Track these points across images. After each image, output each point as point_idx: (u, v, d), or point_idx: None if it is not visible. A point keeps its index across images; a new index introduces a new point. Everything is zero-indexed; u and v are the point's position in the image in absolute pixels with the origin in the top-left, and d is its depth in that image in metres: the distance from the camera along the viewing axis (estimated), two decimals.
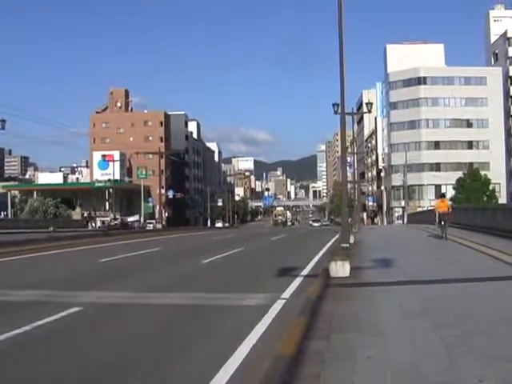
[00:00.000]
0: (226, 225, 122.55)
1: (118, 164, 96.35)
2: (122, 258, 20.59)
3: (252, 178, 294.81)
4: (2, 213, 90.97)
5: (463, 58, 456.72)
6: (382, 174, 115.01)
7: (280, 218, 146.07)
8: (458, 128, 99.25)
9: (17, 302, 10.45)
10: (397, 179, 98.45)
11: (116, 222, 78.80)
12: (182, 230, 64.42)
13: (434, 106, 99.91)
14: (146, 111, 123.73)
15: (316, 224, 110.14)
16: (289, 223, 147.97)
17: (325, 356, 5.66)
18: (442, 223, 23.73)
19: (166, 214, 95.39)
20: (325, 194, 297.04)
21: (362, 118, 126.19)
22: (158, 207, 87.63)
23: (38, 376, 5.81)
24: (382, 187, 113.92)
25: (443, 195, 27.23)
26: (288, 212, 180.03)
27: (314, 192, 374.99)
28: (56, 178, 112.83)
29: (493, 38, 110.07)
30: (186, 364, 6.18)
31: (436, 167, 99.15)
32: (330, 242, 28.05)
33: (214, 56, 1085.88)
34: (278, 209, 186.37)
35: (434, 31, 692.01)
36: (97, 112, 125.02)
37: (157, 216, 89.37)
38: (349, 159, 57.87)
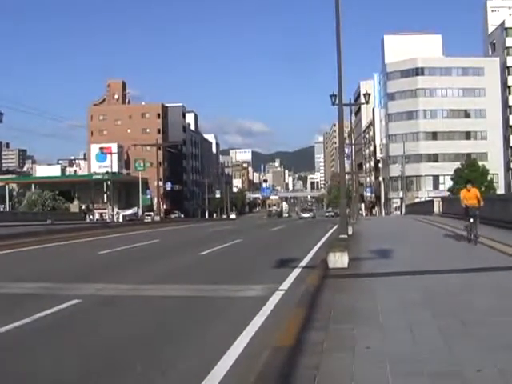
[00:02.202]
0: (224, 216, 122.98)
1: (115, 156, 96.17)
2: (121, 251, 20.60)
3: (250, 169, 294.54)
4: (0, 206, 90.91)
5: (461, 49, 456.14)
6: (380, 165, 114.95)
7: (274, 208, 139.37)
8: (456, 118, 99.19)
9: (16, 295, 10.47)
10: (395, 170, 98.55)
11: (175, 214, 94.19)
12: (180, 221, 64.43)
13: (431, 97, 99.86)
14: (143, 103, 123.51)
15: (306, 215, 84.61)
16: (285, 214, 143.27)
17: (324, 347, 5.68)
18: (471, 220, 17.40)
19: (164, 206, 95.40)
20: (323, 185, 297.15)
21: (359, 109, 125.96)
22: (155, 199, 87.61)
23: (37, 369, 5.83)
24: (380, 178, 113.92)
25: (469, 182, 19.56)
26: (285, 203, 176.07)
27: (312, 183, 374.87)
28: (54, 171, 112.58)
29: (490, 28, 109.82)
30: (184, 357, 6.20)
31: (434, 158, 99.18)
32: (328, 233, 28.09)
33: (209, 46, 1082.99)
34: (273, 198, 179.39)
35: (431, 21, 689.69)
36: (94, 104, 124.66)
37: (155, 208, 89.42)
38: (346, 150, 57.86)
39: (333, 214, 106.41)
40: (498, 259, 13.12)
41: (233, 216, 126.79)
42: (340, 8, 16.53)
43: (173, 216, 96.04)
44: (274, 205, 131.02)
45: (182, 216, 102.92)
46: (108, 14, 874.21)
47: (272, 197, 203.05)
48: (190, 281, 12.03)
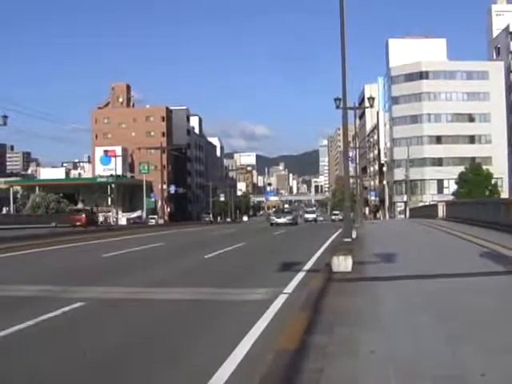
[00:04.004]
0: (228, 220, 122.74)
1: (120, 159, 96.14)
2: (124, 253, 20.62)
3: (254, 172, 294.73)
4: (5, 208, 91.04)
5: (465, 53, 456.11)
6: (384, 169, 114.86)
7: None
8: (460, 122, 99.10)
9: (20, 297, 10.47)
10: (399, 174, 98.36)
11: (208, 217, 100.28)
12: (184, 225, 64.46)
13: (435, 101, 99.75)
14: (148, 106, 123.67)
15: (281, 220, 55.08)
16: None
17: (327, 350, 5.67)
18: None
19: (168, 210, 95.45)
20: (327, 189, 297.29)
21: (363, 113, 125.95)
22: (160, 202, 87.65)
23: (40, 371, 5.83)
24: (384, 182, 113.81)
25: None
26: (287, 205, 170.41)
27: (316, 187, 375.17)
28: (58, 174, 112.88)
29: (495, 33, 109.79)
30: (188, 360, 6.18)
31: (438, 162, 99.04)
32: (331, 237, 28.04)
33: (210, 49, 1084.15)
34: (273, 199, 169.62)
35: (435, 25, 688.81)
36: (99, 107, 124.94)
37: (159, 211, 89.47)
38: (351, 154, 57.78)
39: (341, 217, 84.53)
40: None
41: (245, 218, 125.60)
42: (344, 13, 16.55)
43: (207, 219, 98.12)
44: (274, 207, 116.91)
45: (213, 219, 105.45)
46: (112, 17, 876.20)
47: (272, 198, 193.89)
48: (194, 284, 12.01)
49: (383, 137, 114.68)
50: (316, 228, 48.22)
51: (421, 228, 33.95)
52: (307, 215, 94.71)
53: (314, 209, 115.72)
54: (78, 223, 56.18)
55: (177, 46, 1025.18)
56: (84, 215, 60.35)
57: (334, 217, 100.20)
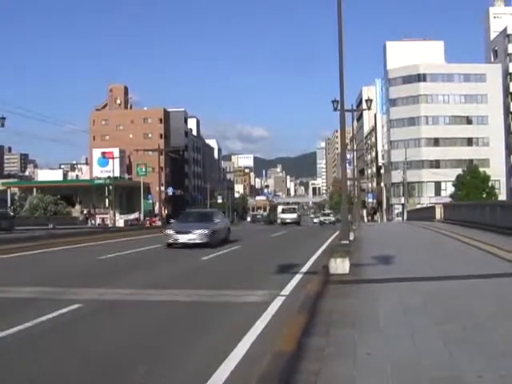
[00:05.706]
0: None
1: (117, 161, 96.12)
2: (122, 255, 20.58)
3: (251, 174, 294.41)
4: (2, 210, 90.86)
5: (463, 55, 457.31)
6: (382, 171, 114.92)
7: (260, 212, 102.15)
8: (458, 125, 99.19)
9: (18, 299, 10.48)
10: (396, 176, 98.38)
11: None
12: None
13: (433, 103, 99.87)
14: (145, 108, 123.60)
15: (187, 237, 23.70)
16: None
17: (325, 352, 5.68)
18: None
19: (166, 211, 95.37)
20: (324, 191, 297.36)
21: (361, 115, 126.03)
22: (157, 204, 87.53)
23: (38, 373, 5.84)
24: (382, 184, 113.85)
25: None
26: (281, 206, 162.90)
27: (314, 189, 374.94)
28: (56, 175, 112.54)
29: (492, 35, 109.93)
30: (185, 361, 6.20)
31: (435, 164, 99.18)
32: (329, 239, 28.04)
33: (208, 50, 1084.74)
34: (259, 198, 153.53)
35: (433, 28, 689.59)
36: (96, 109, 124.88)
37: (157, 213, 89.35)
38: (348, 156, 57.69)
39: (333, 219, 77.00)
40: None
41: (248, 219, 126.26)
42: (342, 15, 16.58)
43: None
44: (260, 208, 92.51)
45: None
46: (109, 18, 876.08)
47: (258, 198, 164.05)
48: (192, 286, 12.02)
49: (381, 139, 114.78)
50: (314, 230, 48.21)
51: (418, 230, 33.97)
52: (284, 215, 70.85)
53: (296, 207, 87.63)
54: (154, 224, 73.17)
55: (175, 47, 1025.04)
56: (158, 218, 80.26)
57: (323, 218, 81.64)
